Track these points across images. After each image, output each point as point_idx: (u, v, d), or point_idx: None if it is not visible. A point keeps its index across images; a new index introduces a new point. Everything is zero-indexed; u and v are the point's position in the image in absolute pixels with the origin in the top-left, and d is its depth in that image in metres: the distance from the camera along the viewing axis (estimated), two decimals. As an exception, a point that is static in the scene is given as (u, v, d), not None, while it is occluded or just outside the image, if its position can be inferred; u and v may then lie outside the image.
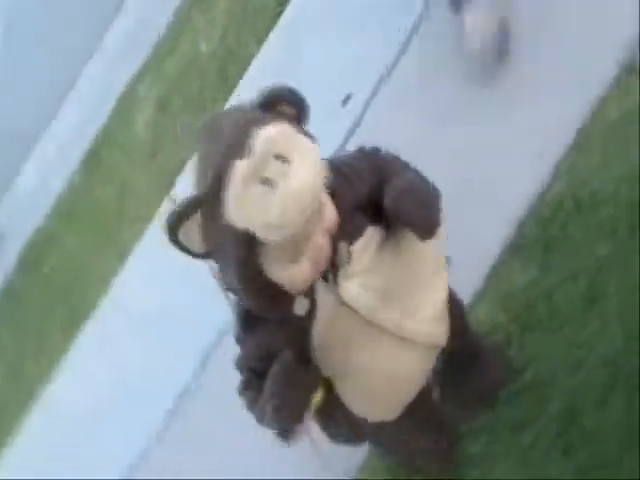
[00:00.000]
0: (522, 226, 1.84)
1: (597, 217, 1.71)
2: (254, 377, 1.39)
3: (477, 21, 2.03)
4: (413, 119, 2.12)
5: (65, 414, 2.86)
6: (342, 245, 1.33)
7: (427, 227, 1.31)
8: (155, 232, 2.83)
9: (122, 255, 2.98)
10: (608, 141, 1.78)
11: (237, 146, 1.19)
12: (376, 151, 1.44)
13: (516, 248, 1.81)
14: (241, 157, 1.18)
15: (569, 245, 1.73)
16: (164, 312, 2.63)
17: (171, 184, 2.77)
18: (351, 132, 2.32)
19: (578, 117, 1.85)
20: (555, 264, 1.73)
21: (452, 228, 1.39)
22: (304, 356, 1.37)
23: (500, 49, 2.03)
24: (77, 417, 2.78)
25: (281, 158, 1.19)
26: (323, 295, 1.35)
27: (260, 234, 1.18)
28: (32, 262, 3.68)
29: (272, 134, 1.20)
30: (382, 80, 2.34)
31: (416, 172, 1.41)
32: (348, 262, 1.35)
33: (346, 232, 1.34)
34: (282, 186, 1.18)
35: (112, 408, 2.66)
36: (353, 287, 1.35)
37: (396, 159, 1.44)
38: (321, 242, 1.27)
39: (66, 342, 3.05)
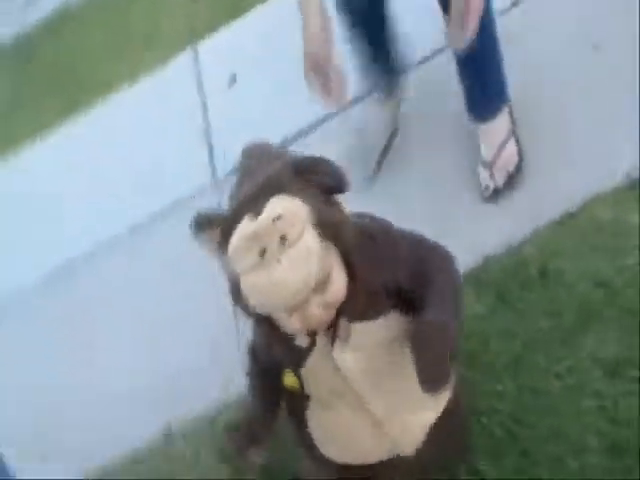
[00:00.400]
0: (487, 263, 2.04)
1: (552, 293, 1.93)
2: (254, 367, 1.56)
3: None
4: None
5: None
6: (343, 322, 1.35)
7: (433, 386, 1.29)
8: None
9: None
10: (590, 234, 1.97)
11: (252, 202, 1.22)
12: (429, 245, 1.42)
13: (477, 279, 2.00)
14: (251, 215, 1.21)
15: (518, 303, 1.95)
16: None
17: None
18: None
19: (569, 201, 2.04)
20: (501, 314, 1.95)
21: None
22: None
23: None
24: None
25: (283, 237, 1.19)
26: (321, 343, 1.38)
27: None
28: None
29: (279, 211, 1.20)
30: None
31: (455, 289, 1.39)
32: (346, 340, 1.36)
33: (356, 309, 1.34)
34: (270, 271, 1.19)
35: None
36: (347, 358, 1.38)
37: (445, 262, 1.41)
38: (315, 312, 1.26)
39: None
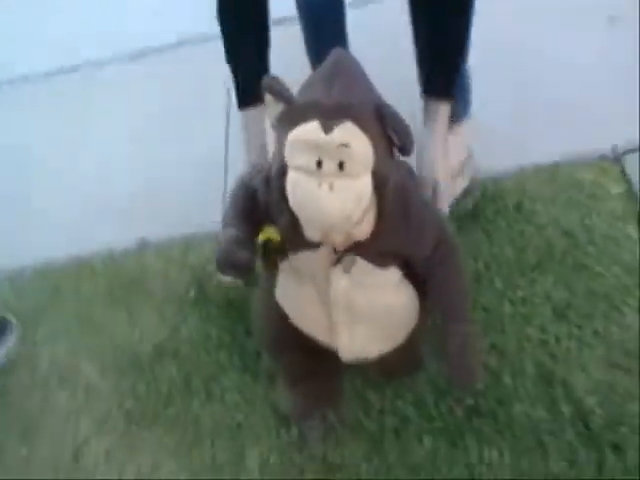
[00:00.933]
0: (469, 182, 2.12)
1: (522, 227, 2.04)
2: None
3: None
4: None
5: None
6: (351, 256, 1.43)
7: (465, 387, 1.60)
8: None
9: None
10: (568, 188, 2.09)
11: (327, 111, 1.23)
12: (447, 234, 1.52)
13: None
14: (321, 122, 1.23)
15: (488, 226, 2.06)
16: None
17: None
18: None
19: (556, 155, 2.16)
20: (471, 232, 2.04)
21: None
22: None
23: None
24: None
25: (341, 164, 1.23)
26: (325, 253, 1.45)
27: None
28: None
29: (349, 141, 1.23)
30: None
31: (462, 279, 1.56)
32: (347, 270, 1.46)
33: (368, 252, 1.43)
34: (320, 189, 1.24)
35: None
36: (341, 283, 1.47)
37: (456, 255, 1.53)
38: (336, 238, 1.36)
39: None
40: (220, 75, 2.01)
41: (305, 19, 2.16)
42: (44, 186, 2.60)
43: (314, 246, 1.42)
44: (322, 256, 1.45)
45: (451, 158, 1.93)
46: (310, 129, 1.23)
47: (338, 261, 1.45)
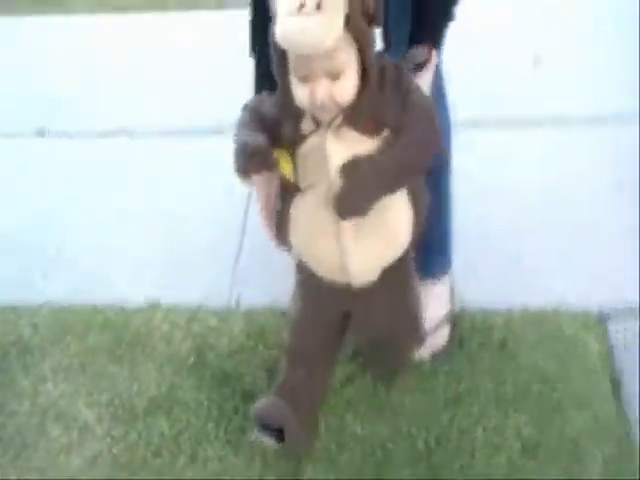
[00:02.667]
0: (463, 309, 2.34)
1: (503, 365, 2.22)
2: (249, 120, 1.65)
3: None
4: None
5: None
6: (337, 121, 1.54)
7: (344, 212, 1.57)
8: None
9: None
10: (551, 337, 2.27)
11: None
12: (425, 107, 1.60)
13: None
14: None
15: (472, 354, 2.24)
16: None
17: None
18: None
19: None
20: (456, 356, 2.24)
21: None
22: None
23: None
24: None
25: (319, 4, 1.39)
26: (320, 132, 1.57)
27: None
28: None
29: None
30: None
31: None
32: (336, 135, 1.55)
33: (355, 118, 1.54)
34: (303, 20, 1.39)
35: None
36: (337, 155, 1.56)
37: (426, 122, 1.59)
38: (322, 91, 1.47)
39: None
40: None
41: None
42: (67, 234, 2.77)
43: (312, 132, 1.57)
44: (319, 139, 1.57)
45: (433, 311, 2.17)
46: None
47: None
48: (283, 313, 2.38)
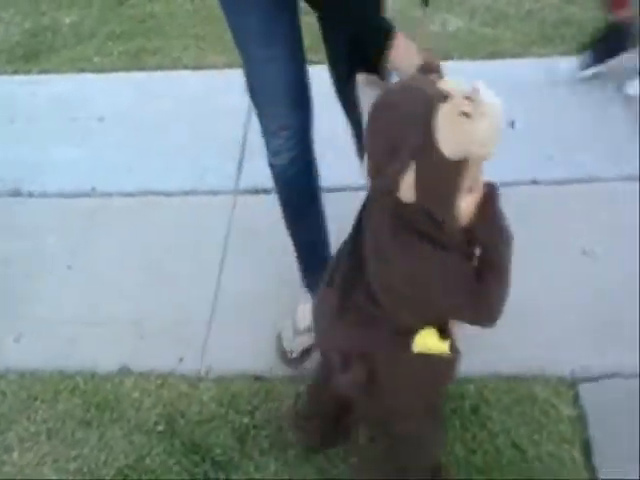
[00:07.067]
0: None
1: (475, 432, 2.21)
2: None
3: None
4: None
5: None
6: None
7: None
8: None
9: None
10: (523, 402, 2.27)
11: (437, 95, 1.34)
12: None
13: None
14: (442, 101, 1.33)
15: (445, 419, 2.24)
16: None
17: None
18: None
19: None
20: None
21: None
22: None
23: None
24: None
25: (469, 98, 1.33)
26: None
27: (472, 153, 1.35)
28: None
29: (459, 83, 1.36)
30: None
31: None
32: None
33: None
34: (481, 107, 1.32)
35: None
36: None
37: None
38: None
39: None
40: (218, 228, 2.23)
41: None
42: (41, 296, 2.74)
43: None
44: None
45: None
46: (445, 107, 1.34)
47: None
48: (256, 378, 2.38)
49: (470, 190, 1.41)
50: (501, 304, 1.54)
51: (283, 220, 2.36)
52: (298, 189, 2.28)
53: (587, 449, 2.16)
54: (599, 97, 3.20)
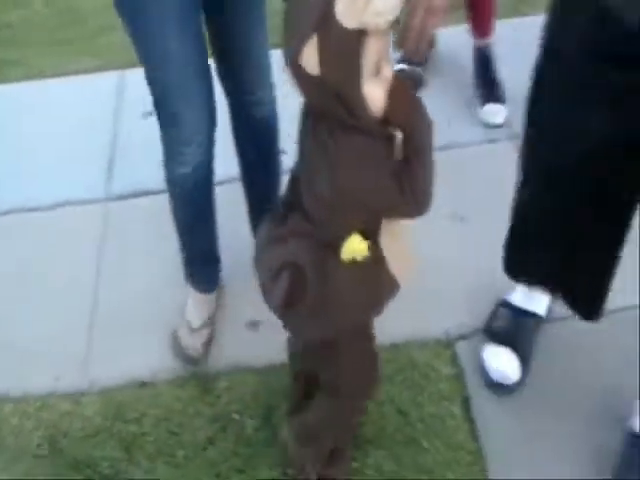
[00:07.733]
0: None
1: None
2: None
3: None
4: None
5: None
6: None
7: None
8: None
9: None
10: (405, 368, 2.30)
11: None
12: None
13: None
14: None
15: None
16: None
17: None
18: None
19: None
20: None
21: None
22: None
23: None
24: None
25: None
26: None
27: (368, 23, 1.35)
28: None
29: None
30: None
31: None
32: None
33: None
34: None
35: None
36: None
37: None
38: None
39: None
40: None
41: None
42: None
43: None
44: None
45: None
46: None
47: None
48: (142, 384, 2.34)
49: (377, 72, 1.43)
50: (429, 190, 1.55)
51: (175, 227, 2.34)
52: (198, 196, 2.27)
53: (466, 404, 2.20)
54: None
